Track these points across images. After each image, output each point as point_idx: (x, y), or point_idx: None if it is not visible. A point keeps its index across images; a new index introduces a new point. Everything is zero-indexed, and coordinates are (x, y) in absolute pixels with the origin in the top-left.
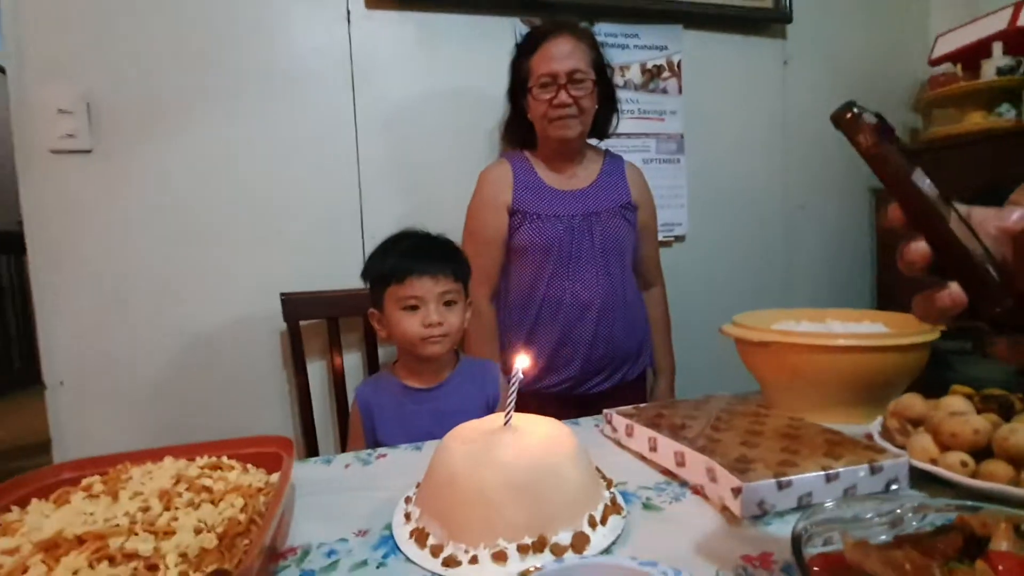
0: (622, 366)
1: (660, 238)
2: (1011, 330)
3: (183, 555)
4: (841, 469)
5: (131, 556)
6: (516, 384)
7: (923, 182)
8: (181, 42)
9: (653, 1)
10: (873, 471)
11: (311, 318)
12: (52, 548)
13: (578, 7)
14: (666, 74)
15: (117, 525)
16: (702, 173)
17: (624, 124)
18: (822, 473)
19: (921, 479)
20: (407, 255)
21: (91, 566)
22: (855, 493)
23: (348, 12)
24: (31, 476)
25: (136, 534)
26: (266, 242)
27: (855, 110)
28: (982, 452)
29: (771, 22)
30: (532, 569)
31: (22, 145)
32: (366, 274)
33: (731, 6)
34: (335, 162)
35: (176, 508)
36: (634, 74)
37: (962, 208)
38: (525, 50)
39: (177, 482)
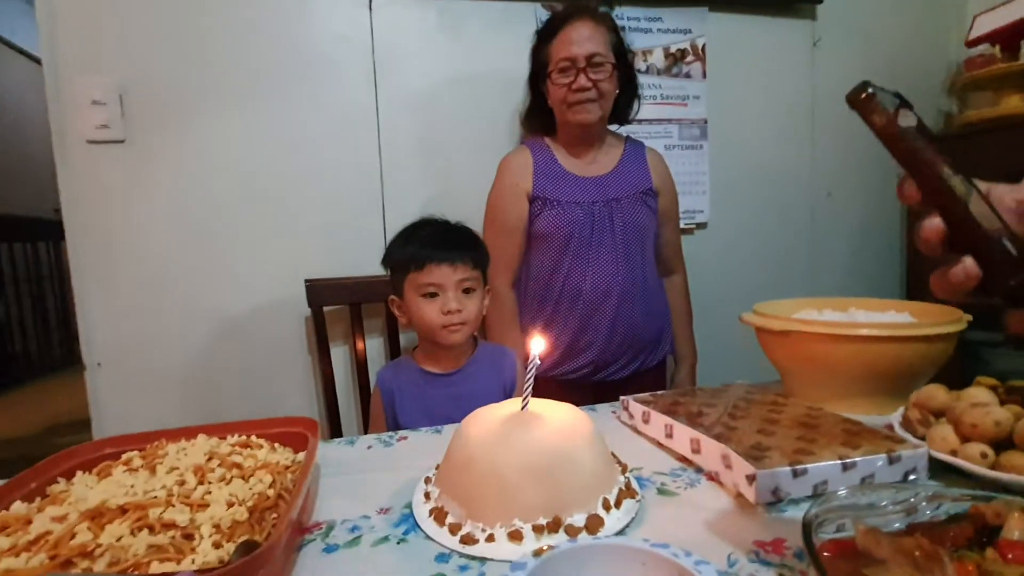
0: (641, 353)
1: (682, 225)
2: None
3: (216, 526)
4: (858, 458)
5: (169, 526)
6: (533, 369)
7: (936, 158)
8: (208, 34)
9: None
10: (891, 461)
11: (334, 304)
12: (97, 517)
13: None
14: (690, 58)
15: (155, 497)
16: (725, 159)
17: (646, 110)
18: (838, 462)
19: (941, 470)
20: (426, 243)
21: (133, 534)
22: (872, 483)
23: (370, 0)
24: (76, 450)
25: (173, 506)
26: (291, 229)
27: (870, 90)
28: (1004, 444)
29: (801, 2)
30: (546, 548)
31: (59, 136)
32: (386, 261)
33: None
34: (357, 150)
35: (209, 483)
36: (657, 58)
37: (983, 185)
38: (544, 36)
39: (210, 458)
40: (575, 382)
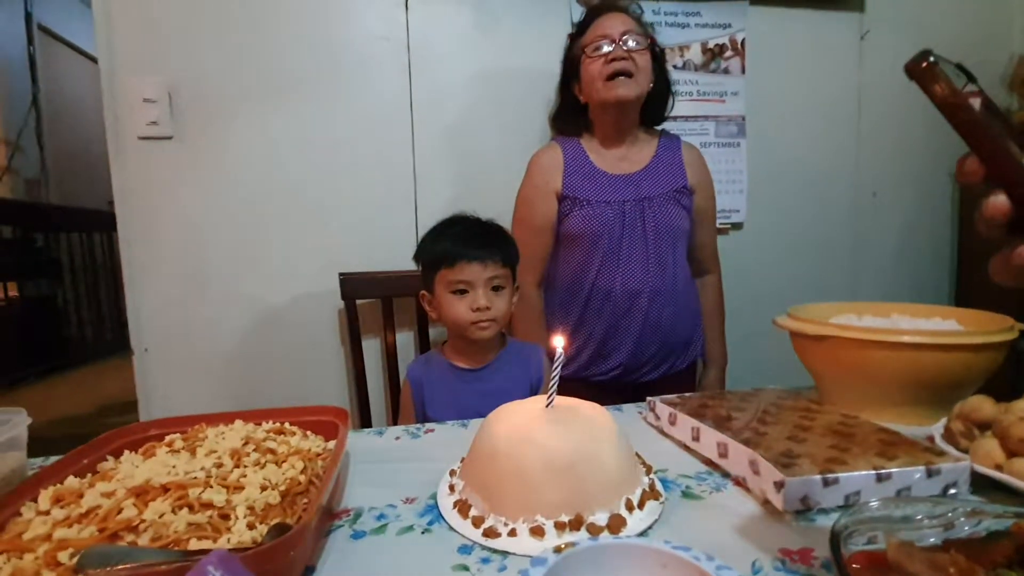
0: (671, 356)
1: (717, 224)
2: None
3: (250, 508)
4: (894, 470)
5: (207, 505)
6: (559, 366)
7: (1003, 132)
8: (252, 36)
9: None
10: (930, 473)
11: (367, 297)
12: (142, 494)
13: None
14: (728, 53)
15: (195, 478)
16: (764, 157)
17: (682, 106)
18: (872, 472)
19: (985, 486)
20: (458, 240)
21: (173, 511)
22: (909, 495)
23: None
24: (123, 431)
25: (211, 487)
26: (327, 224)
27: (931, 58)
28: None
29: None
30: (566, 545)
31: (113, 132)
32: (418, 257)
33: None
34: (391, 147)
35: (245, 466)
36: (694, 54)
37: None
38: (576, 33)
39: (246, 443)
40: (604, 384)
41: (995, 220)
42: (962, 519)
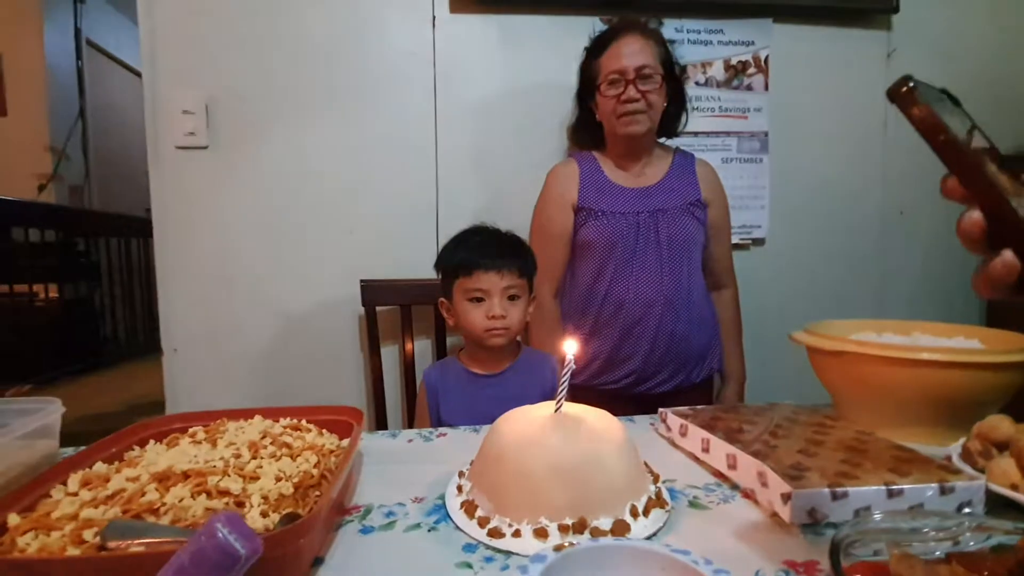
0: (685, 367)
1: (737, 240)
2: None
3: (265, 497)
4: (906, 486)
5: (224, 493)
6: (568, 373)
7: (977, 152)
8: (285, 52)
9: None
10: (943, 491)
11: (387, 304)
12: (164, 479)
13: (662, 4)
14: (751, 70)
15: (214, 466)
16: (787, 173)
17: (704, 122)
18: (883, 487)
19: (1000, 505)
20: (476, 250)
21: (192, 497)
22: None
23: (433, 17)
24: (149, 423)
25: (228, 475)
26: (350, 232)
27: (911, 83)
28: None
29: (874, 13)
30: (567, 544)
31: (153, 141)
32: (438, 265)
33: None
34: (416, 159)
35: (261, 458)
36: (716, 71)
37: None
38: (594, 51)
39: (263, 437)
40: (616, 393)
41: (971, 235)
42: (969, 533)
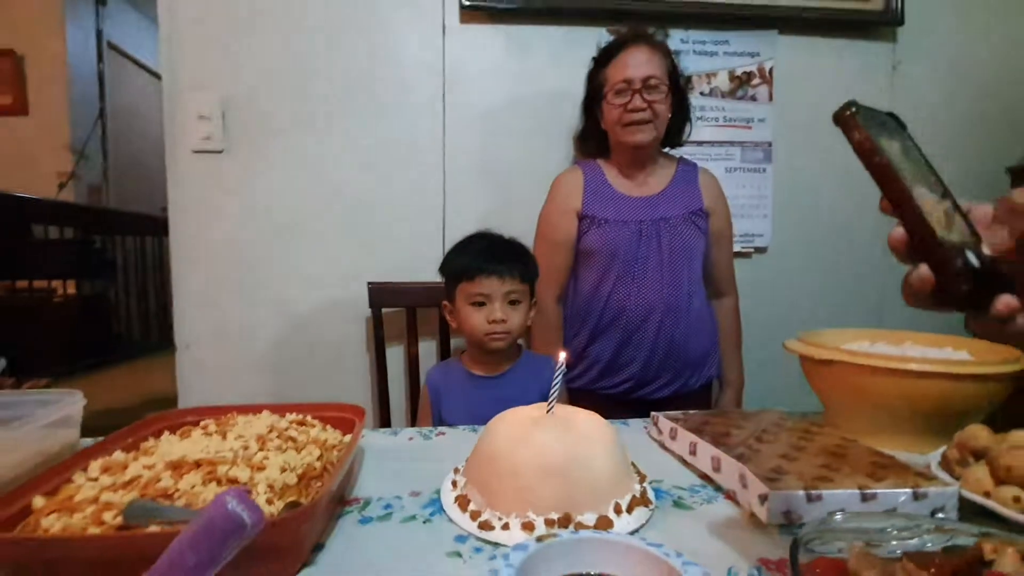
0: (683, 374)
1: (739, 248)
2: (972, 309)
3: (270, 486)
4: (879, 490)
5: (233, 481)
6: (560, 375)
7: (902, 174)
8: (299, 59)
9: (747, 7)
10: (916, 496)
11: (393, 306)
12: (178, 467)
13: (667, 16)
14: (756, 81)
15: (224, 456)
16: (790, 183)
17: (708, 131)
18: (857, 491)
19: (975, 512)
20: (479, 255)
21: (204, 483)
22: None
23: (444, 26)
24: (164, 416)
25: (237, 465)
26: (358, 236)
27: (854, 108)
28: None
29: (880, 25)
30: (550, 535)
31: (170, 144)
32: (443, 269)
33: (833, 9)
34: (424, 165)
35: (268, 450)
36: (721, 81)
37: (967, 203)
38: (601, 61)
39: (270, 430)
40: (615, 397)
41: (896, 248)
42: (929, 534)
